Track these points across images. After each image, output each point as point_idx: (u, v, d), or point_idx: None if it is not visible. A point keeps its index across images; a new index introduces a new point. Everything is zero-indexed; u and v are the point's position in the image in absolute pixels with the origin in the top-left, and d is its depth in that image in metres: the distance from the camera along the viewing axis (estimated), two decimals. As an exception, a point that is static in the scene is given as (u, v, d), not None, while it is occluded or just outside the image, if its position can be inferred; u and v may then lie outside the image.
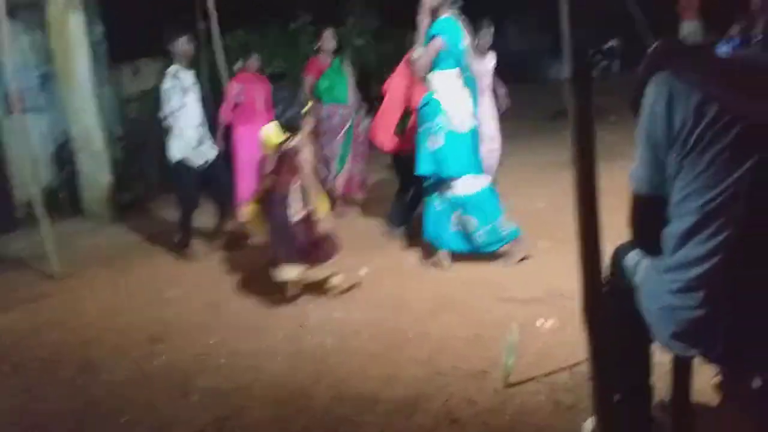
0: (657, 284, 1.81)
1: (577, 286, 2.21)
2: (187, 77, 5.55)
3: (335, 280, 4.40)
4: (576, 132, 2.22)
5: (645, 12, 5.92)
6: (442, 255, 4.70)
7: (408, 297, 4.25)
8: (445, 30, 4.39)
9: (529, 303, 3.85)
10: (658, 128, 1.67)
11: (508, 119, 6.54)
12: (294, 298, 4.38)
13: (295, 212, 4.18)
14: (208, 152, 5.65)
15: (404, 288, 4.43)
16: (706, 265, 1.64)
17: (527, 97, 11.58)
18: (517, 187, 6.61)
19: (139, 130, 9.36)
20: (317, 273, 4.37)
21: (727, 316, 1.66)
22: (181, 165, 5.51)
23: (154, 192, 8.58)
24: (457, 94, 4.53)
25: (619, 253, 2.12)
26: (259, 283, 4.63)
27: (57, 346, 4.13)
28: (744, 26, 1.72)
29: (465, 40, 4.54)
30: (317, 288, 4.43)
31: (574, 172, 2.26)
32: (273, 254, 4.31)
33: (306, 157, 4.14)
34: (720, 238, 1.61)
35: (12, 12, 6.73)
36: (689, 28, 12.35)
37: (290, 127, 4.19)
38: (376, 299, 4.27)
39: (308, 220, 4.19)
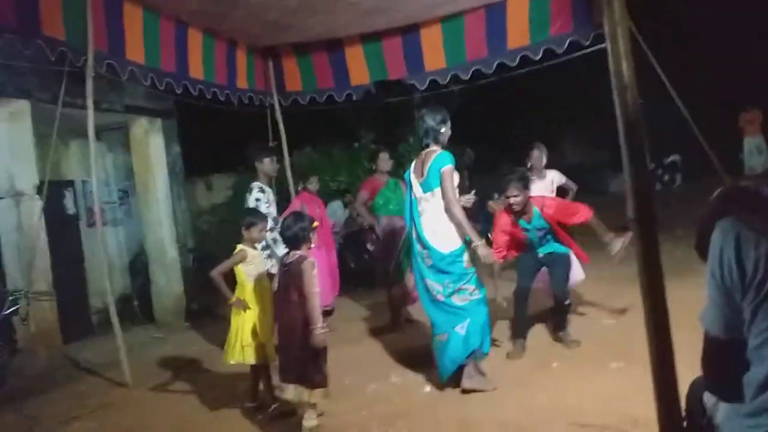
0: (739, 428, 1.75)
1: (652, 412, 2.14)
2: (270, 193, 5.96)
3: (310, 423, 4.01)
4: (643, 266, 2.20)
5: (708, 128, 5.97)
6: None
7: (472, 422, 4.08)
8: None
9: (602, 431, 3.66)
10: (729, 275, 1.66)
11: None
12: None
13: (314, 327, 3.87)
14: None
15: (468, 410, 4.27)
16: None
17: (589, 209, 11.52)
18: (583, 304, 6.51)
19: (210, 240, 9.75)
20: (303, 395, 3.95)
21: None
22: None
23: (221, 300, 8.77)
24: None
25: (698, 388, 2.06)
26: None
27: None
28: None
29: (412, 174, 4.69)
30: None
31: (642, 301, 2.22)
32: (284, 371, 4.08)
33: (308, 270, 3.93)
34: None
35: (99, 133, 7.28)
36: (752, 144, 12.30)
37: (293, 241, 4.12)
38: (440, 423, 4.15)
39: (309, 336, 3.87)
